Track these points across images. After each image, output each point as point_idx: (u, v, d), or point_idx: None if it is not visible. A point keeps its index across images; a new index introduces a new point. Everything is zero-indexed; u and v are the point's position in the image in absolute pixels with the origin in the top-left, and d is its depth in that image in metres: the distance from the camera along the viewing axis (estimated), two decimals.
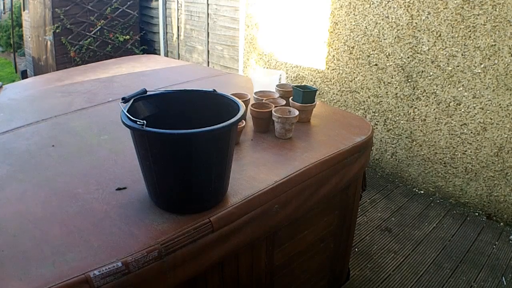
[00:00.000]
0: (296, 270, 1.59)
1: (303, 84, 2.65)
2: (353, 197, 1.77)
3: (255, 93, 1.83)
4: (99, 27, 5.56)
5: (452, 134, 2.87)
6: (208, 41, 5.07)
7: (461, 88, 2.75)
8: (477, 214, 2.84)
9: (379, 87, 3.22)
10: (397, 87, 3.10)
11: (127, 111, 1.03)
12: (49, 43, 5.53)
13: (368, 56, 3.22)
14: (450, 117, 2.85)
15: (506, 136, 2.62)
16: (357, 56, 3.29)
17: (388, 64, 3.11)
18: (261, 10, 4.06)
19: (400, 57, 3.03)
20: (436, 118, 2.93)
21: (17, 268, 0.85)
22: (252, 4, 4.15)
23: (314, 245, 1.64)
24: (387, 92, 3.18)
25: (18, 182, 1.22)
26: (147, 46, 6.13)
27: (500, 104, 2.60)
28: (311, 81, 3.74)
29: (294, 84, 1.78)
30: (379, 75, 3.19)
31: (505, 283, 2.17)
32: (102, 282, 0.86)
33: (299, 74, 3.83)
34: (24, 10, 6.77)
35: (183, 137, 0.99)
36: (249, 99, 1.73)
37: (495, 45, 2.54)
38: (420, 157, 3.10)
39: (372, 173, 3.39)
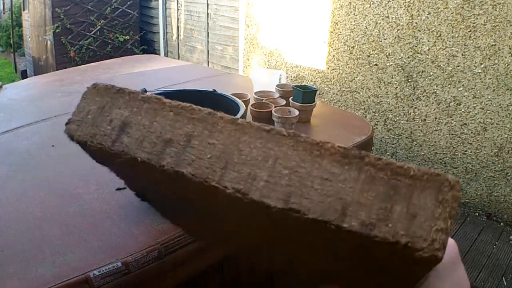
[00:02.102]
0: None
1: (303, 84, 2.65)
2: None
3: (255, 93, 1.83)
4: (99, 27, 5.56)
5: (452, 134, 2.87)
6: (208, 41, 5.07)
7: (461, 88, 2.75)
8: (477, 214, 2.84)
9: (379, 87, 3.21)
10: (397, 87, 3.10)
11: None
12: (49, 43, 5.53)
13: (368, 56, 3.21)
14: (450, 117, 2.85)
15: (506, 136, 2.62)
16: (357, 56, 3.29)
17: (388, 64, 3.11)
18: (261, 10, 4.06)
19: (400, 57, 3.03)
20: (436, 118, 2.93)
21: (17, 268, 0.85)
22: (252, 4, 4.15)
23: None
24: (387, 92, 3.18)
25: (18, 182, 1.21)
26: (147, 46, 6.13)
27: (500, 104, 2.60)
28: (311, 81, 3.74)
29: (294, 84, 1.78)
30: (379, 75, 3.19)
31: (505, 283, 2.17)
32: (102, 282, 0.86)
33: (299, 74, 3.83)
34: (24, 10, 6.78)
35: None
36: (249, 99, 1.73)
37: (495, 45, 2.54)
38: (420, 157, 3.10)
39: None
